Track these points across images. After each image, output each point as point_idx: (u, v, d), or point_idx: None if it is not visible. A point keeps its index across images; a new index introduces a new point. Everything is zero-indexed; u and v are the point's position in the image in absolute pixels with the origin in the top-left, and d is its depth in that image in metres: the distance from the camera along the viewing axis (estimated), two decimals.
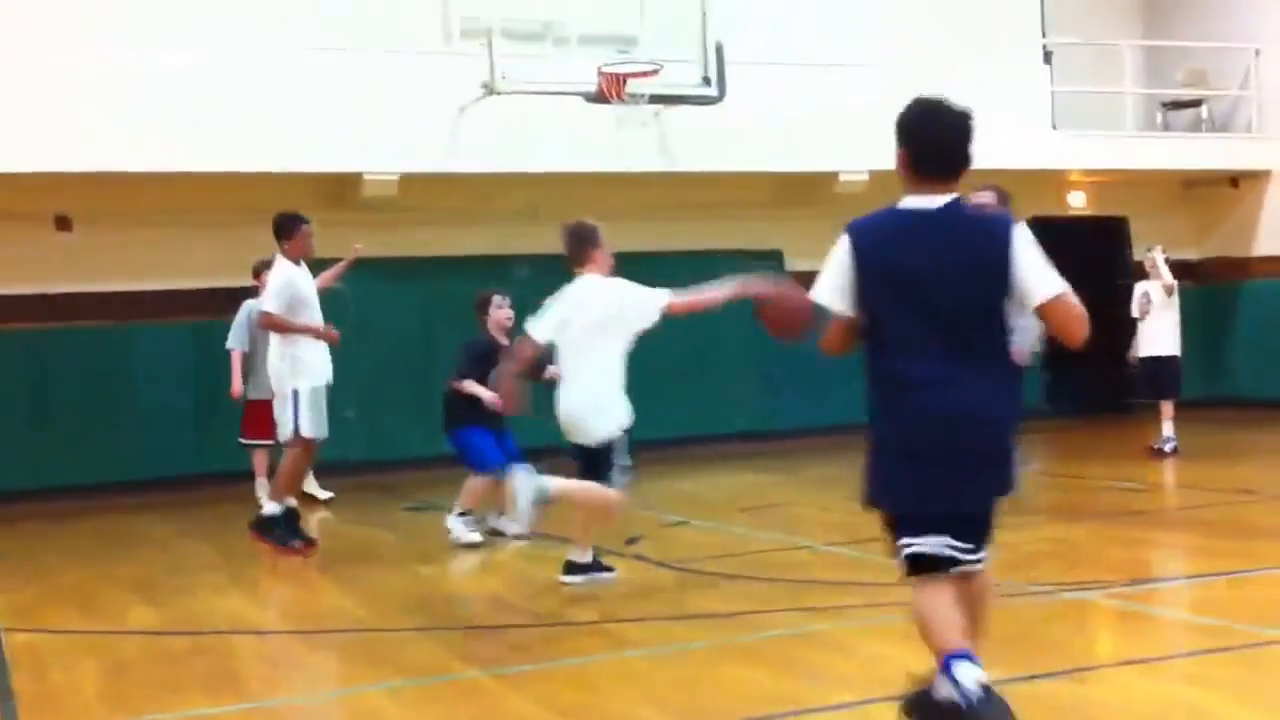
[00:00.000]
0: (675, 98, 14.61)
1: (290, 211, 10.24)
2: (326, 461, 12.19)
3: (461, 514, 9.93)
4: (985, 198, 10.32)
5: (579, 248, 8.47)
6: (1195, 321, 15.42)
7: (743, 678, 6.00)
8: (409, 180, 14.33)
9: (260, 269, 11.68)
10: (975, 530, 4.65)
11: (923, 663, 5.04)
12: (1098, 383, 18.24)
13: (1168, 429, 13.88)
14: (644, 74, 13.99)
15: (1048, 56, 17.81)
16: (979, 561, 4.67)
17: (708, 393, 15.83)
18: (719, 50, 14.60)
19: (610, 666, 6.36)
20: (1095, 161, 17.89)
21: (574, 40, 14.68)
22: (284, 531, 9.84)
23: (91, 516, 12.79)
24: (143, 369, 14.68)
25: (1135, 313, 14.46)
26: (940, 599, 4.61)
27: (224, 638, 7.47)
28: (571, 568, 8.24)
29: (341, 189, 14.65)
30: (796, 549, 7.16)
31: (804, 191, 16.52)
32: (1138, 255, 18.17)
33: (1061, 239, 19.27)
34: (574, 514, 8.20)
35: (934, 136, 4.68)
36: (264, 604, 8.80)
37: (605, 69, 13.92)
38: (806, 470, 13.94)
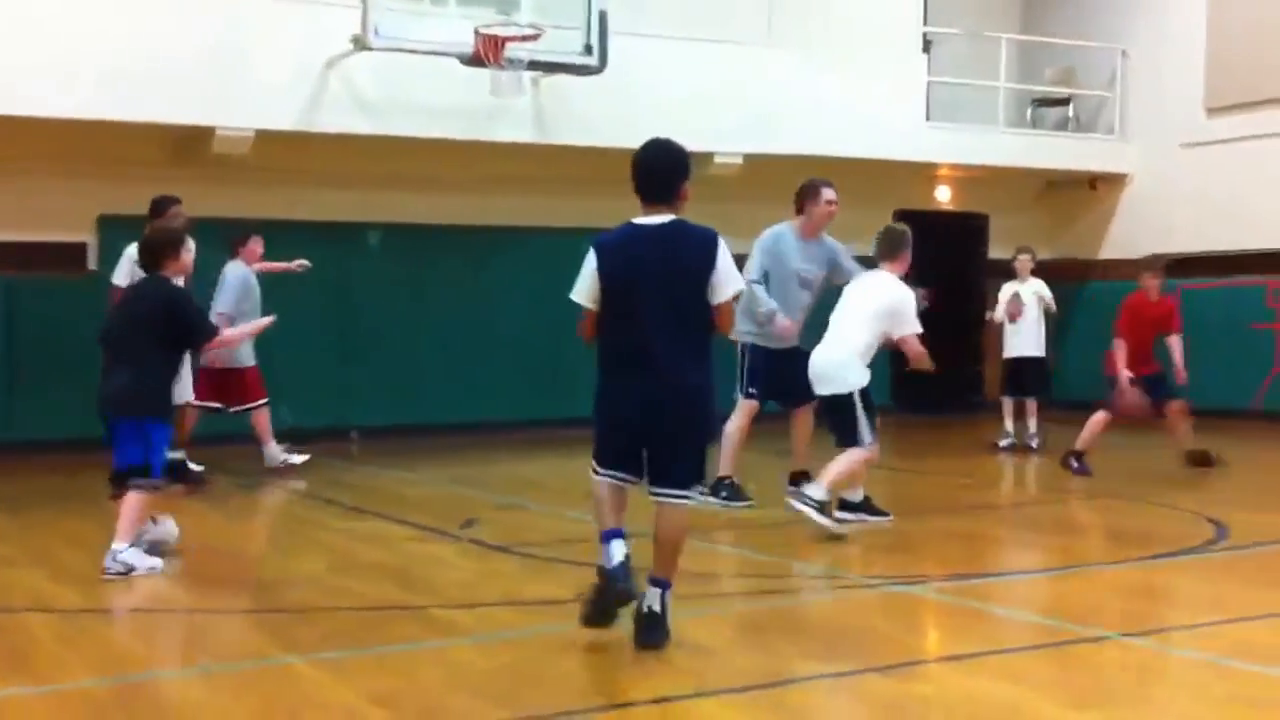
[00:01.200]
0: (554, 65, 14.45)
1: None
2: None
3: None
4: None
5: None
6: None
7: (569, 668, 5.94)
8: (265, 138, 13.65)
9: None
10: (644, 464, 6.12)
11: (743, 654, 5.41)
12: (948, 379, 18.51)
13: (1030, 424, 14.38)
14: (524, 38, 13.83)
15: (927, 46, 17.97)
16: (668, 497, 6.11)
17: (553, 377, 15.51)
18: (603, 19, 14.44)
19: (433, 654, 6.24)
20: (965, 156, 18.06)
21: None
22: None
23: None
24: None
25: (1001, 314, 14.70)
26: (603, 491, 6.19)
27: (15, 615, 6.94)
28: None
29: (191, 143, 13.87)
30: (637, 536, 7.18)
31: None
32: (994, 253, 18.53)
33: (924, 233, 19.67)
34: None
35: (645, 171, 6.12)
36: (64, 580, 7.94)
37: (484, 30, 13.70)
38: None
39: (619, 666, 5.99)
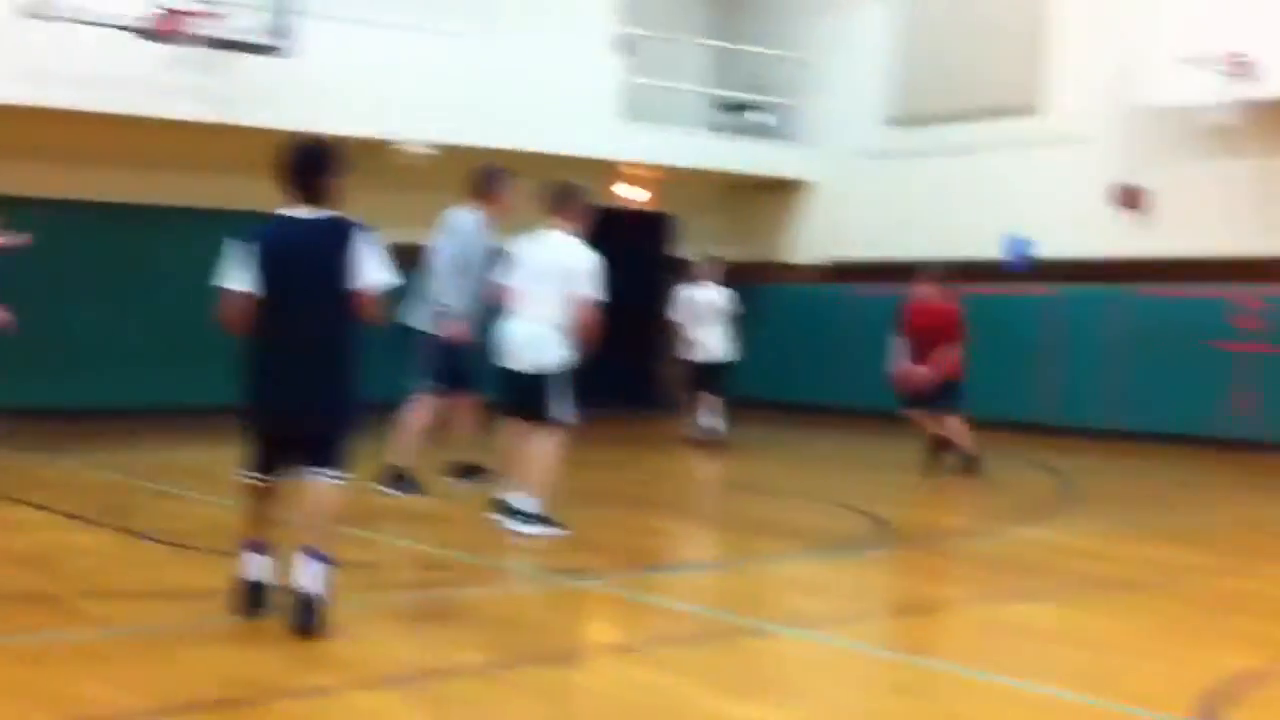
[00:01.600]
0: (238, 44, 14.04)
1: None
2: None
3: None
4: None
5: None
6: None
7: (208, 658, 5.75)
8: None
9: None
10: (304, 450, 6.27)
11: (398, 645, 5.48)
12: (632, 377, 18.77)
13: (713, 418, 14.72)
14: (206, 13, 13.45)
15: (624, 46, 18.13)
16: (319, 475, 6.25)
17: (208, 361, 15.09)
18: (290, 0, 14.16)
19: (68, 643, 5.96)
20: (656, 156, 18.32)
21: None
22: None
23: None
24: None
25: (683, 314, 15.02)
26: (249, 499, 6.37)
27: None
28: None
29: None
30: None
31: (366, 159, 16.21)
32: (683, 253, 18.83)
33: (614, 232, 19.86)
34: None
35: (296, 167, 6.34)
36: None
37: (163, 3, 13.26)
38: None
39: (275, 657, 5.83)
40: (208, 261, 7.16)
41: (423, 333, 10.15)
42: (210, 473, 11.13)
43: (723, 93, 19.93)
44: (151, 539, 8.33)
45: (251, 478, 6.33)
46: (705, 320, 14.95)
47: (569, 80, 16.89)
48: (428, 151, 15.86)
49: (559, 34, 16.81)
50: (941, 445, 12.62)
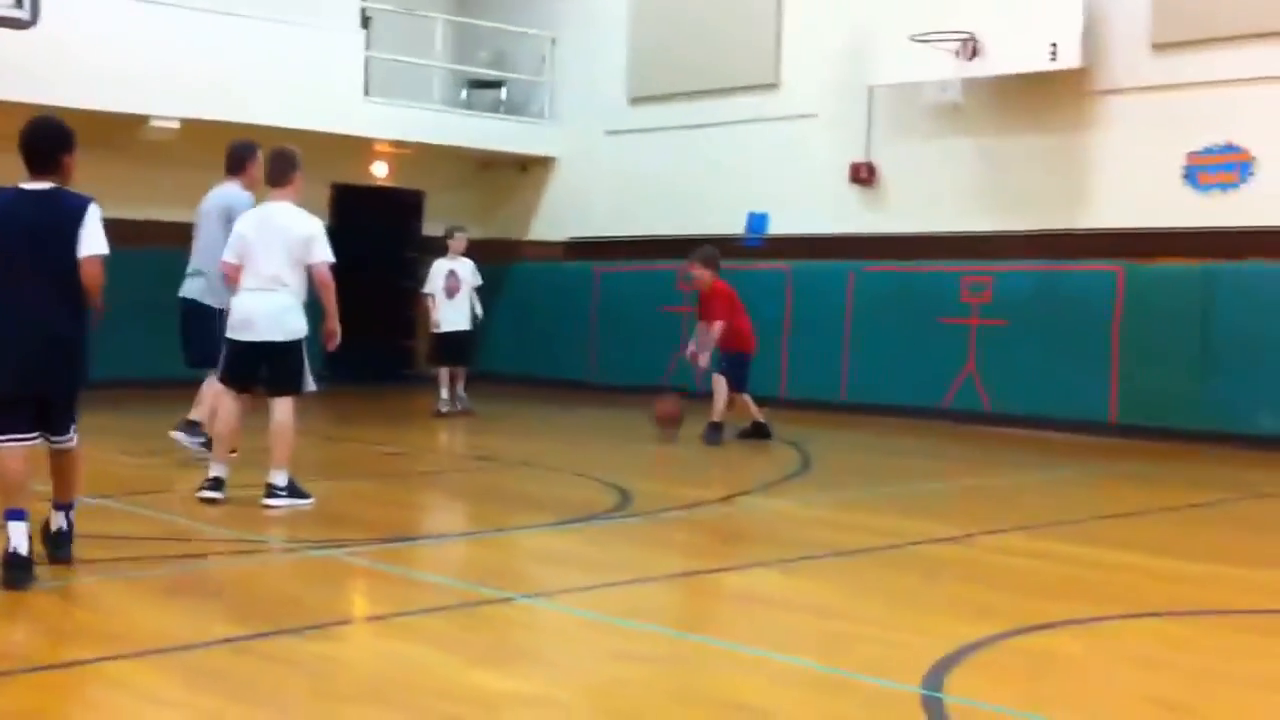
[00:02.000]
0: None
1: None
2: None
3: None
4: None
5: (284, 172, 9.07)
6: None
7: None
8: None
9: None
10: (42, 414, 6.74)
11: (157, 618, 5.50)
12: (381, 352, 18.83)
13: (460, 390, 15.36)
14: None
15: (366, 22, 18.13)
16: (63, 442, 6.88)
17: None
18: None
19: None
20: (401, 133, 18.38)
21: None
22: None
23: None
24: None
25: (433, 288, 15.38)
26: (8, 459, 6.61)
27: None
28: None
29: None
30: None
31: (112, 134, 15.97)
32: (429, 230, 18.96)
33: (361, 208, 19.91)
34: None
35: (30, 143, 6.78)
36: None
37: None
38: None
39: (26, 630, 5.89)
40: None
41: (206, 306, 10.29)
42: None
43: (466, 69, 20.05)
44: None
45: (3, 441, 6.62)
46: (452, 294, 15.32)
47: (313, 56, 16.86)
48: (173, 126, 15.65)
49: (304, 9, 16.72)
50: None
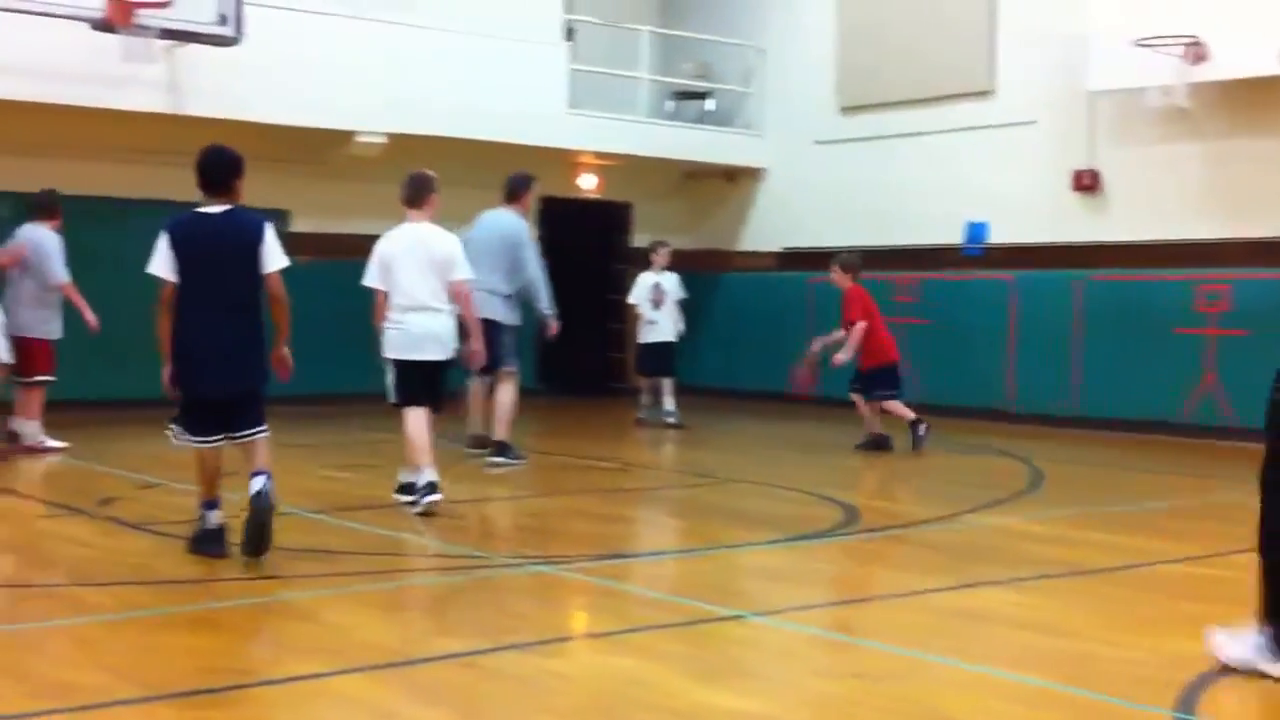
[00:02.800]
0: (188, 34, 14.00)
1: None
2: None
3: None
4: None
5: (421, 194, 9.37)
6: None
7: (201, 646, 5.81)
8: None
9: None
10: (233, 414, 7.40)
11: (380, 632, 5.52)
12: (590, 364, 18.82)
13: (667, 402, 15.42)
14: (155, 4, 13.35)
15: (569, 34, 18.13)
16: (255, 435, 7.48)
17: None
18: None
19: (66, 631, 6.05)
20: (606, 145, 18.30)
21: None
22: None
23: None
24: None
25: (637, 299, 15.61)
26: (202, 457, 7.49)
27: None
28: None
29: None
30: (276, 514, 7.23)
31: (318, 150, 16.21)
32: (637, 242, 18.89)
33: (569, 220, 19.93)
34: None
35: (207, 169, 7.41)
36: None
37: None
38: (281, 435, 13.47)
39: (255, 645, 5.90)
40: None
41: (499, 323, 11.27)
42: (185, 463, 11.12)
43: (672, 80, 19.92)
44: (137, 528, 8.39)
45: (200, 441, 7.43)
46: (657, 305, 15.52)
47: (517, 69, 16.88)
48: (379, 142, 15.79)
49: (508, 23, 16.77)
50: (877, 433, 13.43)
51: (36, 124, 14.19)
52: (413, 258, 9.12)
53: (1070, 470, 12.87)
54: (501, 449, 11.50)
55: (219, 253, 7.33)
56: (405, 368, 9.20)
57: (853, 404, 13.58)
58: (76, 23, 13.15)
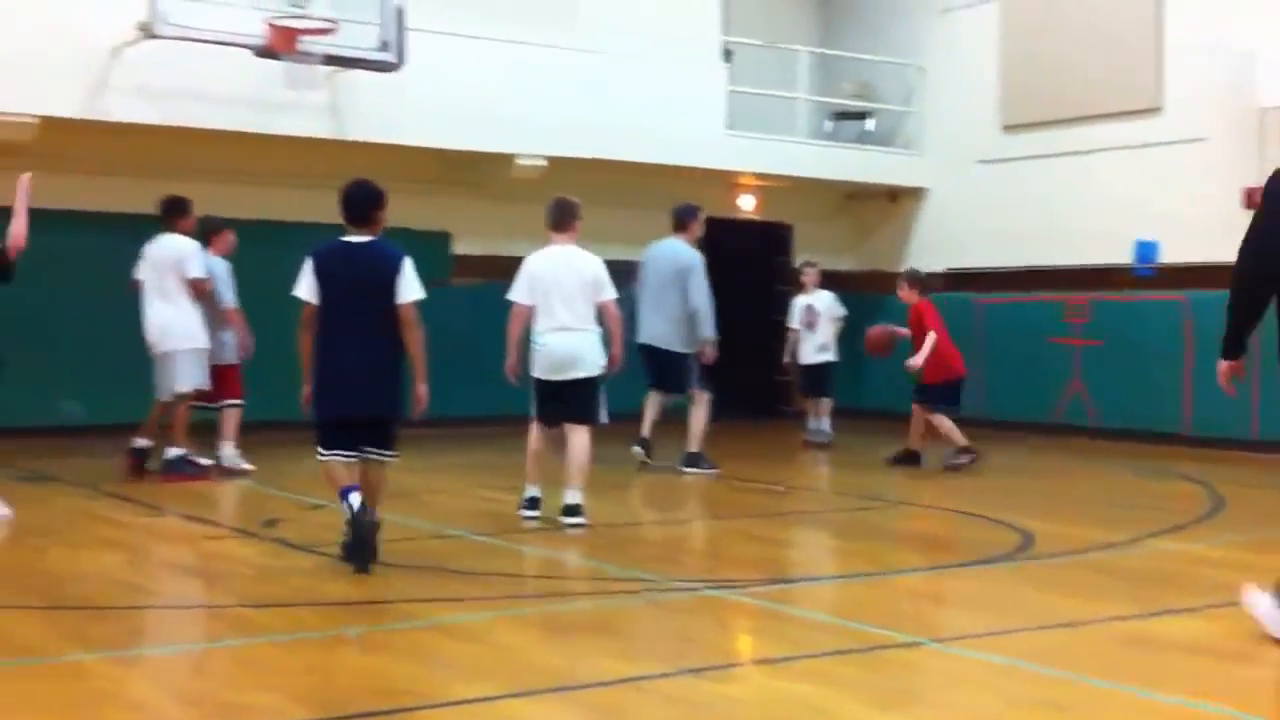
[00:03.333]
0: (350, 60, 14.17)
1: None
2: None
3: None
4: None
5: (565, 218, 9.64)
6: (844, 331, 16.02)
7: (370, 667, 5.77)
8: (51, 124, 13.16)
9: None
10: (363, 435, 7.65)
11: (550, 655, 5.61)
12: (754, 386, 18.63)
13: (826, 424, 15.60)
14: (318, 31, 13.52)
15: (727, 55, 18.02)
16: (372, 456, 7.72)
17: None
18: (399, 15, 14.19)
19: (235, 652, 6.07)
20: (765, 166, 18.13)
21: None
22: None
23: None
24: None
25: (797, 323, 15.68)
26: (335, 469, 7.74)
27: None
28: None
29: None
30: (439, 537, 7.18)
31: (478, 172, 16.28)
32: (798, 263, 18.66)
33: (729, 241, 19.77)
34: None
35: (350, 201, 7.79)
36: None
37: (276, 21, 13.37)
38: (445, 457, 13.58)
39: (425, 667, 5.83)
40: None
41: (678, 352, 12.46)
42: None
43: (831, 100, 19.70)
44: (304, 550, 8.44)
45: (332, 456, 7.70)
46: (811, 327, 15.58)
47: (675, 91, 16.82)
48: (539, 165, 15.81)
49: (666, 45, 16.71)
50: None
51: (201, 149, 14.43)
52: (564, 279, 9.36)
53: (1253, 494, 12.43)
54: (694, 459, 12.47)
55: (358, 281, 7.63)
56: (544, 386, 9.45)
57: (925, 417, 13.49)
58: (240, 50, 13.33)
